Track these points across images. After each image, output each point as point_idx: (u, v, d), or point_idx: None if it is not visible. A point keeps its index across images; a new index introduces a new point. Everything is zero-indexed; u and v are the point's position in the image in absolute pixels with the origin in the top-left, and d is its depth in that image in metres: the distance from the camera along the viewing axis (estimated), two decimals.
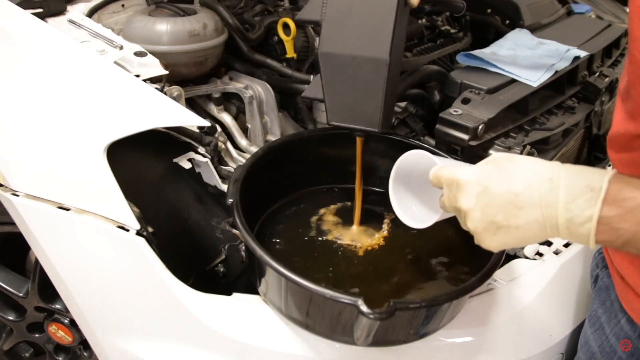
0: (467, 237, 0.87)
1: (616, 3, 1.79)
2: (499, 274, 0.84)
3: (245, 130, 1.19)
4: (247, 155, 1.09)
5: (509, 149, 0.93)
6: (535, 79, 1.05)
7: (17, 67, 0.89)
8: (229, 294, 0.79)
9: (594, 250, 0.85)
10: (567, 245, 0.92)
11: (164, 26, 1.06)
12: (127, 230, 0.76)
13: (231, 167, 1.02)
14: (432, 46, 1.31)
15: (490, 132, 0.96)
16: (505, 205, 0.52)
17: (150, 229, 0.79)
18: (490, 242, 0.55)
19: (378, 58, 0.78)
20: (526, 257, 0.90)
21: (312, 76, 1.14)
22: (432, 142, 1.07)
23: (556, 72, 1.09)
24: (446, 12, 1.47)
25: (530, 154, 0.94)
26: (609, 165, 1.15)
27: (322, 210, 0.93)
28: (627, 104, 0.59)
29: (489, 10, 1.54)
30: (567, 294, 0.87)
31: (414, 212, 0.74)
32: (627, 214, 0.46)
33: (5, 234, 1.04)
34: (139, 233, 0.76)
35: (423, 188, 0.72)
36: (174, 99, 0.93)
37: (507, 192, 0.52)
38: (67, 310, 1.06)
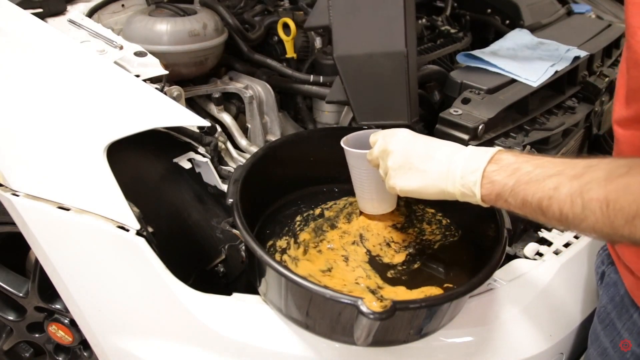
0: (468, 237, 0.87)
1: (616, 3, 1.79)
2: (499, 274, 0.84)
3: (245, 130, 1.19)
4: (247, 155, 1.09)
5: (509, 148, 0.93)
6: (535, 79, 1.05)
7: (17, 67, 0.89)
8: (229, 294, 0.79)
9: (598, 247, 0.85)
10: (567, 245, 0.92)
11: (164, 26, 1.06)
12: (127, 230, 0.76)
13: (231, 167, 1.02)
14: (432, 46, 1.31)
15: (490, 132, 0.96)
16: (423, 154, 0.67)
17: (150, 229, 0.79)
18: (398, 180, 0.68)
19: (395, 52, 0.77)
20: (526, 257, 0.90)
21: (311, 76, 1.14)
22: None
23: (556, 72, 1.09)
24: None
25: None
26: None
27: (322, 209, 0.94)
28: (623, 90, 0.65)
29: (489, 10, 1.54)
30: (566, 294, 0.87)
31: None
32: (500, 169, 0.59)
33: (5, 234, 1.04)
34: (139, 233, 0.76)
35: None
36: (174, 99, 0.93)
37: (427, 145, 0.67)
38: (67, 310, 1.06)
